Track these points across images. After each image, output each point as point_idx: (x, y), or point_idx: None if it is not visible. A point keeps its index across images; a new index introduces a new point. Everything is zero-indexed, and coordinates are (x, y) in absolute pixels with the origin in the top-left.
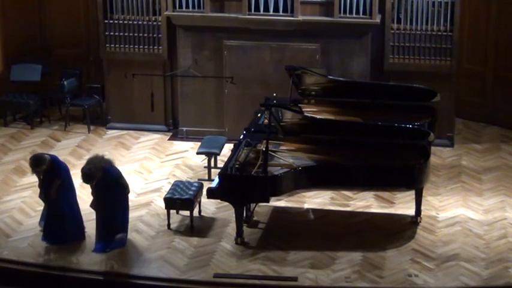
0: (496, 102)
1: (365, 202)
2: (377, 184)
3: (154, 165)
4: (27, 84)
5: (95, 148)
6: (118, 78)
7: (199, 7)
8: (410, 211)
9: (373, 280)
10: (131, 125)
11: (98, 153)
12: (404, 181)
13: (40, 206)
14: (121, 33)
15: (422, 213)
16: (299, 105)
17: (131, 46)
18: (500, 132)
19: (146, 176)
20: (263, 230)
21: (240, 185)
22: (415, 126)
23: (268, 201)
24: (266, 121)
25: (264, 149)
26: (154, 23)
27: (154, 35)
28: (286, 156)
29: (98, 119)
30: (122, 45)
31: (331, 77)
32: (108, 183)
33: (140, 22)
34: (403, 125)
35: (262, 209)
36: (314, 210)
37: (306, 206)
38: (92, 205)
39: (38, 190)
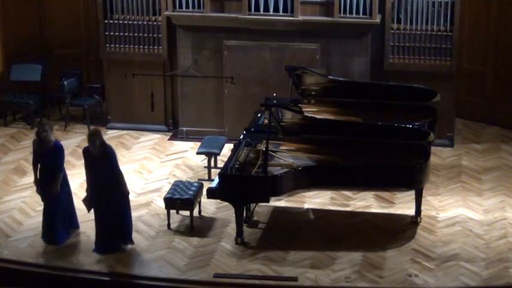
0: (496, 102)
1: (365, 202)
2: (377, 184)
3: (154, 165)
4: (27, 84)
5: None
6: (118, 78)
7: (199, 7)
8: (410, 211)
9: (373, 280)
10: (131, 125)
11: None
12: (404, 181)
13: (40, 205)
14: (121, 33)
15: (422, 213)
16: (299, 105)
17: (131, 46)
18: (500, 132)
19: (146, 176)
20: (263, 230)
21: (240, 185)
22: (415, 126)
23: (268, 201)
24: (266, 121)
25: (264, 149)
26: (154, 23)
27: (154, 35)
28: (286, 156)
29: (98, 119)
30: (122, 45)
31: (331, 77)
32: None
33: (140, 22)
34: (403, 125)
35: (262, 209)
36: (314, 210)
37: (306, 206)
38: (85, 200)
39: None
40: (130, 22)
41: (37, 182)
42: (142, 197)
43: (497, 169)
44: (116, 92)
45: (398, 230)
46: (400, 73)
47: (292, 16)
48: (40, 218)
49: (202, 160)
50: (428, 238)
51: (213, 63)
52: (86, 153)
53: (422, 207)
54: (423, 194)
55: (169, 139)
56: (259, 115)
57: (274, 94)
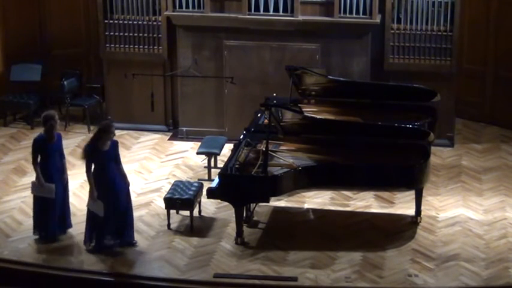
0: (496, 102)
1: (365, 202)
2: (377, 184)
3: (154, 165)
4: (27, 84)
5: None
6: (118, 78)
7: (199, 7)
8: (410, 211)
9: (373, 280)
10: (131, 125)
11: None
12: (404, 181)
13: None
14: (121, 33)
15: (422, 213)
16: (299, 105)
17: (131, 46)
18: (500, 132)
19: (146, 176)
20: (263, 230)
21: (240, 185)
22: (415, 126)
23: (268, 201)
24: (266, 121)
25: (264, 149)
26: (154, 23)
27: (154, 35)
28: (286, 156)
29: (98, 119)
30: (122, 45)
31: (331, 77)
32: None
33: (140, 22)
34: (403, 125)
35: (262, 209)
36: (314, 210)
37: (306, 206)
38: (96, 205)
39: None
40: (130, 22)
41: (42, 182)
42: (142, 197)
43: (497, 169)
44: (116, 92)
45: (398, 230)
46: (400, 73)
47: (292, 16)
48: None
49: (202, 160)
50: (428, 238)
51: (213, 63)
52: (95, 151)
53: (422, 207)
54: (423, 194)
55: (169, 139)
56: (259, 115)
57: (274, 94)
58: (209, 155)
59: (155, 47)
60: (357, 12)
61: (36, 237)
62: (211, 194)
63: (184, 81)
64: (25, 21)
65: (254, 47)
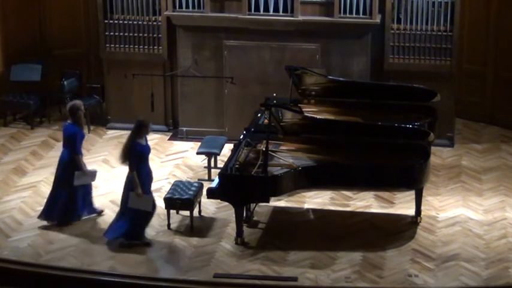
0: (496, 102)
1: (365, 202)
2: (377, 184)
3: (154, 165)
4: (27, 84)
5: (95, 148)
6: (118, 78)
7: (199, 7)
8: (410, 211)
9: (373, 280)
10: (131, 125)
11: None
12: (404, 181)
13: (40, 206)
14: (121, 33)
15: (422, 213)
16: (299, 105)
17: (131, 46)
18: (500, 132)
19: None
20: (263, 230)
21: (240, 185)
22: (415, 126)
23: (268, 201)
24: (266, 121)
25: (264, 149)
26: (154, 23)
27: (154, 35)
28: (286, 156)
29: (98, 119)
30: (122, 45)
31: (331, 77)
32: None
33: (140, 22)
34: (403, 125)
35: (262, 209)
36: (314, 210)
37: (306, 206)
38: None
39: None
40: (130, 22)
41: (87, 170)
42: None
43: (497, 169)
44: (116, 92)
45: (398, 230)
46: (400, 73)
47: (292, 16)
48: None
49: (202, 160)
50: (428, 238)
51: (213, 63)
52: (142, 147)
53: (422, 207)
54: (423, 194)
55: (169, 139)
56: (259, 115)
57: (274, 94)
58: (209, 155)
59: (155, 47)
60: (357, 12)
61: (46, 223)
62: (211, 194)
63: (184, 81)
64: (25, 21)
65: (254, 47)
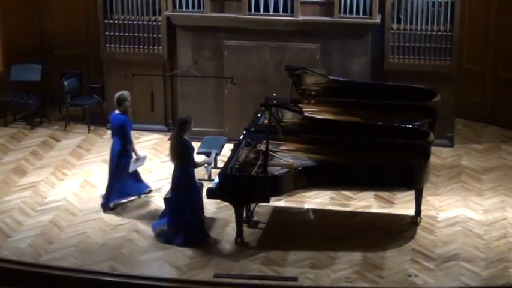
0: (496, 102)
1: (365, 202)
2: (377, 184)
3: (154, 165)
4: (27, 84)
5: (95, 148)
6: (118, 78)
7: (199, 7)
8: (410, 211)
9: (373, 280)
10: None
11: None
12: (404, 181)
13: (40, 206)
14: (121, 33)
15: (422, 213)
16: (299, 105)
17: (131, 46)
18: (500, 132)
19: (146, 176)
20: (263, 230)
21: (240, 185)
22: (415, 126)
23: (268, 201)
24: (266, 121)
25: (264, 149)
26: (154, 23)
27: (154, 35)
28: (286, 156)
29: (98, 119)
30: (122, 45)
31: (331, 77)
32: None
33: (140, 22)
34: (403, 125)
35: (262, 209)
36: (314, 210)
37: (306, 206)
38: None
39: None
40: (130, 22)
41: (140, 155)
42: (143, 197)
43: (497, 169)
44: (116, 92)
45: (398, 230)
46: (400, 73)
47: (292, 16)
48: (40, 218)
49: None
50: (428, 238)
51: (213, 63)
52: (191, 143)
53: (422, 207)
54: (423, 194)
55: (169, 139)
56: (259, 115)
57: (274, 94)
58: (209, 155)
59: (155, 47)
60: (357, 12)
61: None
62: (211, 194)
63: (184, 81)
64: (25, 21)
65: (254, 47)
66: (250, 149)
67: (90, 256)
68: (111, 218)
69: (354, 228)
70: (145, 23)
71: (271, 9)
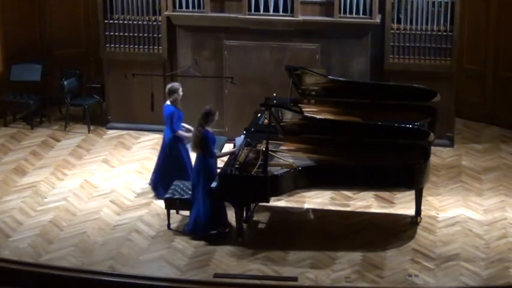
0: (496, 102)
1: (365, 202)
2: (377, 184)
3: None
4: (27, 84)
5: (95, 148)
6: (118, 78)
7: (199, 7)
8: (410, 211)
9: (373, 280)
10: (131, 125)
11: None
12: (404, 181)
13: (40, 206)
14: (121, 33)
15: (422, 213)
16: (299, 105)
17: (131, 46)
18: (500, 132)
19: (146, 176)
20: (263, 230)
21: (240, 185)
22: (415, 126)
23: (268, 201)
24: (266, 121)
25: (264, 149)
26: (154, 23)
27: (154, 35)
28: (286, 156)
29: (98, 119)
30: (122, 45)
31: (331, 77)
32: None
33: (140, 22)
34: (403, 125)
35: (262, 209)
36: (314, 210)
37: (306, 206)
38: None
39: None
40: (130, 22)
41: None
42: (142, 197)
43: (497, 169)
44: (116, 92)
45: (398, 230)
46: (400, 73)
47: (292, 16)
48: (40, 218)
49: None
50: (428, 238)
51: (213, 63)
52: (212, 134)
53: (422, 207)
54: (423, 194)
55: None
56: (259, 115)
57: (274, 94)
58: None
59: (155, 47)
60: (357, 12)
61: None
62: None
63: (184, 81)
64: (25, 21)
65: (254, 47)
66: (250, 149)
67: (90, 256)
68: (111, 218)
69: (354, 228)
70: (145, 23)
71: (271, 9)
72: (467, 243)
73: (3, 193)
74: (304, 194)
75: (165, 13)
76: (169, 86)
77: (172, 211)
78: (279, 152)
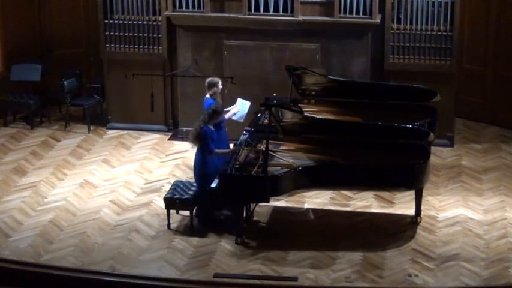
0: (496, 102)
1: (365, 202)
2: (377, 184)
3: (154, 165)
4: (27, 84)
5: (95, 148)
6: (118, 78)
7: (199, 7)
8: (410, 211)
9: (373, 280)
10: (131, 125)
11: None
12: (404, 181)
13: (40, 206)
14: (121, 33)
15: (422, 213)
16: (299, 105)
17: (131, 46)
18: (500, 132)
19: (146, 176)
20: (263, 230)
21: (240, 185)
22: (415, 126)
23: (268, 201)
24: (266, 121)
25: (264, 149)
26: (154, 23)
27: (154, 35)
28: (286, 156)
29: (98, 119)
30: (122, 45)
31: (331, 77)
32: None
33: (140, 22)
34: (403, 125)
35: (262, 209)
36: (314, 210)
37: (306, 206)
38: None
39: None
40: (130, 22)
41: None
42: (142, 197)
43: (497, 169)
44: (116, 92)
45: (398, 230)
46: (400, 73)
47: (292, 16)
48: (40, 218)
49: None
50: (428, 238)
51: (213, 63)
52: (212, 131)
53: (422, 207)
54: (423, 194)
55: (169, 139)
56: (259, 115)
57: (274, 94)
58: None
59: (155, 47)
60: (357, 12)
61: None
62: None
63: (184, 81)
64: (25, 21)
65: (254, 47)
66: (250, 149)
67: (90, 256)
68: (111, 218)
69: (354, 228)
70: (145, 23)
71: (271, 9)
72: (467, 243)
73: (3, 193)
74: (304, 194)
75: (165, 13)
76: (208, 79)
77: (172, 211)
78: (279, 152)
